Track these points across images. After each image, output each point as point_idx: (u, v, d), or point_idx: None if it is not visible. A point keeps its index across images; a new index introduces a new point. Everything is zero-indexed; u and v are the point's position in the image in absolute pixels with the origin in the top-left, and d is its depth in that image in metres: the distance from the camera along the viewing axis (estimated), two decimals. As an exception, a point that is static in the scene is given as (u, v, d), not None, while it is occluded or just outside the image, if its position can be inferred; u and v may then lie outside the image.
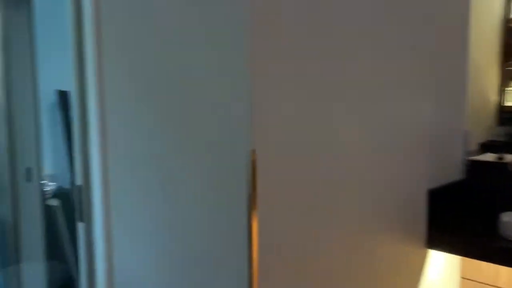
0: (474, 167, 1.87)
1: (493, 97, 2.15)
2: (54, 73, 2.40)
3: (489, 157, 1.92)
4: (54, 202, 2.63)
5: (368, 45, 1.22)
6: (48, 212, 2.56)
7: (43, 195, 2.55)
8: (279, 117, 1.00)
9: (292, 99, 1.02)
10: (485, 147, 2.00)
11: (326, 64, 1.09)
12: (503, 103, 2.17)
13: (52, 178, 2.77)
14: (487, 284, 1.61)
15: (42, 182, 2.56)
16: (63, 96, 2.69)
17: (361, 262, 1.27)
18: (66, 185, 2.66)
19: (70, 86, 1.59)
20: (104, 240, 1.55)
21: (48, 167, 2.76)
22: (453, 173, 1.81)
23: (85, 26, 1.52)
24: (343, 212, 1.19)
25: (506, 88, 2.16)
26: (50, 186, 2.70)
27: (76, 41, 1.57)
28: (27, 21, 2.39)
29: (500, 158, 1.87)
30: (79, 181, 1.73)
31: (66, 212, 2.61)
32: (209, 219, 1.09)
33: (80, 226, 1.74)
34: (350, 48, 1.16)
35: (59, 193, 2.67)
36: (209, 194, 1.08)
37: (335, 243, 1.17)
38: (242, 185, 0.96)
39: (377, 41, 1.26)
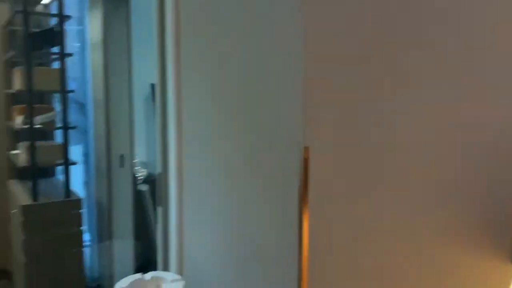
0: None
1: None
2: (150, 67, 2.59)
3: None
4: (144, 187, 2.84)
5: (443, 38, 1.14)
6: (138, 196, 2.78)
7: (135, 180, 2.78)
8: (335, 114, 0.98)
9: (349, 95, 0.99)
10: None
11: (387, 58, 1.04)
12: None
13: (144, 165, 3.00)
14: None
15: (135, 168, 2.79)
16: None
17: (429, 271, 1.20)
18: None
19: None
20: (176, 224, 1.66)
21: (141, 155, 3.00)
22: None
23: (167, 27, 1.63)
24: (410, 214, 1.13)
25: None
26: (141, 172, 2.93)
27: (159, 40, 1.69)
28: (125, 20, 2.61)
29: None
30: (159, 168, 1.86)
31: (153, 197, 2.81)
32: (264, 214, 1.11)
33: (159, 210, 1.87)
34: (421, 42, 1.09)
35: (149, 179, 2.88)
36: (265, 189, 1.10)
37: (398, 248, 1.12)
38: (294, 182, 0.97)
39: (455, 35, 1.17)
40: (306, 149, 0.96)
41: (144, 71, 2.72)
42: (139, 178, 2.82)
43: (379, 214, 1.08)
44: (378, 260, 1.09)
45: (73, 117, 3.51)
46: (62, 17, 2.45)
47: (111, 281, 2.67)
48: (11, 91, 2.87)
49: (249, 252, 1.20)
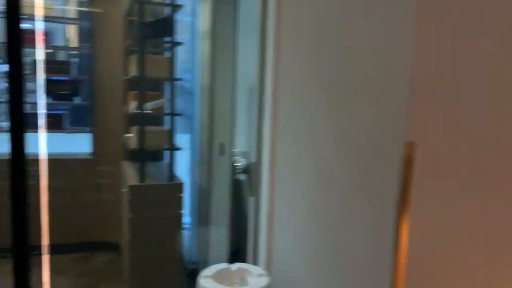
0: None
1: None
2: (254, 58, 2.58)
3: None
4: (242, 177, 2.85)
5: None
6: (236, 185, 2.80)
7: (234, 169, 2.79)
8: (445, 105, 0.82)
9: (462, 84, 0.83)
10: None
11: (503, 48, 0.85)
12: None
13: (244, 154, 3.01)
14: None
15: (234, 157, 2.81)
16: (259, 80, 2.88)
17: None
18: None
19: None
20: (267, 217, 1.60)
21: (242, 145, 3.01)
22: None
23: (269, 18, 1.57)
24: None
25: None
26: (241, 161, 2.94)
27: (261, 32, 1.64)
28: (233, 10, 2.62)
29: None
30: (253, 159, 1.83)
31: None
32: (356, 215, 0.99)
33: (251, 201, 1.84)
34: None
35: (247, 169, 2.88)
36: (357, 187, 0.98)
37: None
38: (392, 181, 0.84)
39: None
40: (411, 144, 0.82)
41: (249, 62, 2.71)
42: (238, 167, 2.83)
43: (495, 221, 0.89)
44: (492, 276, 0.91)
45: (184, 105, 3.67)
46: (174, 7, 2.55)
47: (206, 266, 2.74)
48: (127, 77, 3.09)
49: (338, 255, 1.09)
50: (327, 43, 1.15)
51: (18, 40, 1.07)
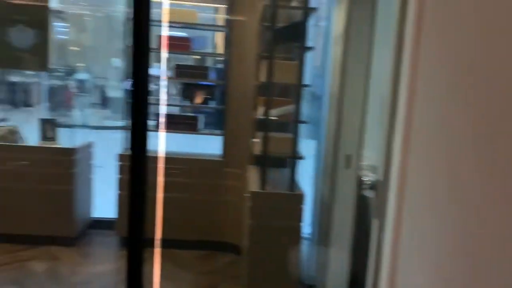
0: None
1: None
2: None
3: None
4: (370, 194, 2.62)
5: None
6: (361, 202, 2.59)
7: (360, 185, 2.58)
8: None
9: None
10: None
11: None
12: None
13: (373, 169, 2.77)
14: None
15: (362, 171, 2.59)
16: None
17: None
18: (385, 179, 2.59)
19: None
20: (391, 245, 1.39)
21: (371, 158, 2.78)
22: None
23: (407, 21, 1.37)
24: None
25: None
26: (369, 177, 2.71)
27: (398, 37, 1.45)
28: (369, 15, 2.42)
29: None
30: (380, 176, 1.63)
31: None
32: (506, 252, 0.76)
33: (374, 223, 1.64)
34: None
35: (375, 186, 2.64)
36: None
37: None
38: None
39: None
40: None
41: (383, 69, 2.49)
42: (365, 182, 2.62)
43: None
44: None
45: (313, 111, 3.57)
46: (307, 11, 2.46)
47: (324, 285, 2.58)
48: (258, 83, 3.10)
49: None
50: (485, 47, 0.93)
51: (144, 44, 1.07)
